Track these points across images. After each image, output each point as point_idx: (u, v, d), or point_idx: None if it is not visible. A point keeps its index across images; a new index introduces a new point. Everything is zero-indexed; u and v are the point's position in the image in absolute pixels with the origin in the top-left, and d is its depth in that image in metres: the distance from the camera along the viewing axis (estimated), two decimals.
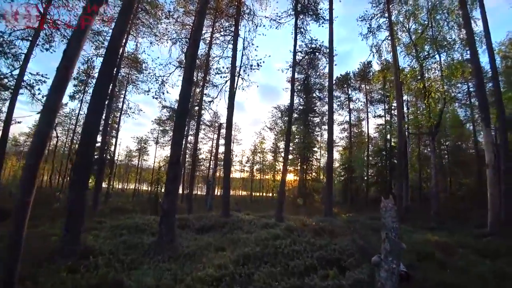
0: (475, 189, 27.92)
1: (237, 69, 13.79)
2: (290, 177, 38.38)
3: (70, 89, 24.40)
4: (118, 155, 43.21)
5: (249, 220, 12.49)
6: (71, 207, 6.51)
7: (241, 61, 14.11)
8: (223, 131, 22.81)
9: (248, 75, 14.12)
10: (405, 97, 31.24)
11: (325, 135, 38.79)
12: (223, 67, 15.42)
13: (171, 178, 8.40)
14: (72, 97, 23.66)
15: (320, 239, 7.62)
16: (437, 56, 22.19)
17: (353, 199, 31.02)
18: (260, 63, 14.27)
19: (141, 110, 27.45)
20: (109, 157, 34.56)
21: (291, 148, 35.47)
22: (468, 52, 20.49)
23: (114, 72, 19.30)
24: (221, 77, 15.04)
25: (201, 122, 24.70)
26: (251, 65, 14.06)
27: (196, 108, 18.67)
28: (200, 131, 30.27)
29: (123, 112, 27.69)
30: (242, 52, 14.30)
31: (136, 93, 27.83)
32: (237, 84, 13.82)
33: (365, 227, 11.27)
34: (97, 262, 5.97)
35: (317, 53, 16.32)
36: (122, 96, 27.15)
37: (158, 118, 34.00)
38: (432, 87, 21.12)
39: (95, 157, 34.23)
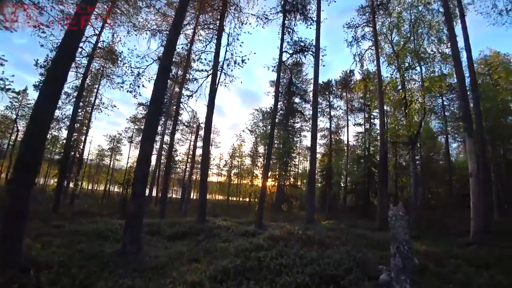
0: (446, 198, 28.46)
1: (220, 63, 12.84)
2: (269, 182, 37.74)
3: (35, 77, 22.24)
4: (89, 154, 40.72)
5: (227, 226, 11.44)
6: (9, 207, 5.21)
7: (225, 56, 13.17)
8: (201, 132, 21.75)
9: (232, 71, 13.14)
10: (385, 107, 31.70)
11: (305, 141, 38.57)
12: (205, 59, 14.31)
13: (139, 177, 7.25)
14: (37, 87, 21.55)
15: (310, 251, 6.71)
16: (418, 68, 22.45)
17: (331, 206, 30.60)
18: (245, 59, 13.38)
19: (115, 106, 25.66)
20: (77, 155, 32.45)
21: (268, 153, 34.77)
22: (448, 66, 21.09)
23: (87, 62, 17.80)
24: (202, 71, 13.92)
25: (179, 122, 23.35)
26: (235, 61, 13.14)
27: (174, 107, 17.44)
28: (177, 131, 28.92)
29: (95, 107, 25.74)
30: (226, 48, 13.37)
31: (110, 87, 26.05)
32: (219, 80, 12.82)
33: (354, 237, 10.47)
34: (39, 278, 4.74)
35: (304, 52, 15.62)
36: (95, 90, 25.28)
37: (133, 116, 32.23)
38: (413, 97, 21.17)
39: (61, 154, 31.95)
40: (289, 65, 16.00)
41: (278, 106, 30.73)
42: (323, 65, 15.57)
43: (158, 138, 30.95)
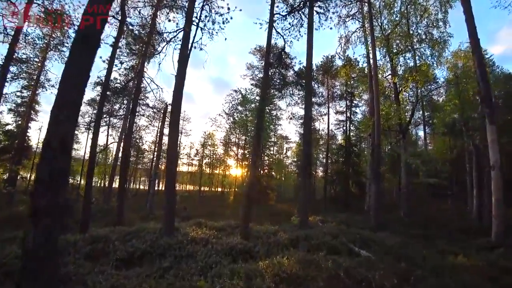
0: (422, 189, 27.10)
1: (195, 17, 9.27)
2: (238, 172, 34.72)
3: None
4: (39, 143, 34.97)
5: (203, 239, 8.23)
6: None
7: (201, 13, 9.61)
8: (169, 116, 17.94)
9: (212, 23, 9.60)
10: (365, 96, 29.67)
11: (280, 131, 35.82)
12: (173, 17, 10.59)
13: (44, 177, 3.74)
14: None
15: None
16: (407, 54, 20.29)
17: (310, 198, 28.31)
18: (226, 20, 9.93)
19: None
20: (24, 144, 27.18)
21: (242, 142, 31.66)
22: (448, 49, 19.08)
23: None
24: (170, 32, 10.21)
25: (142, 103, 19.37)
26: (214, 20, 9.64)
27: (134, 82, 13.61)
28: (142, 115, 24.74)
29: (39, 85, 20.97)
30: (203, 3, 9.81)
31: (59, 61, 21.18)
32: (193, 41, 9.29)
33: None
34: None
35: (298, 13, 12.39)
36: (39, 64, 20.46)
37: (91, 99, 27.26)
38: (406, 84, 18.96)
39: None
40: (283, 28, 12.64)
41: (256, 91, 27.65)
42: (316, 28, 12.57)
43: (119, 122, 26.64)
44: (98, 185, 30.39)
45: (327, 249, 7.95)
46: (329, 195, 28.61)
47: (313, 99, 29.28)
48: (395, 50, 20.24)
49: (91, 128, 31.64)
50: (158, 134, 18.01)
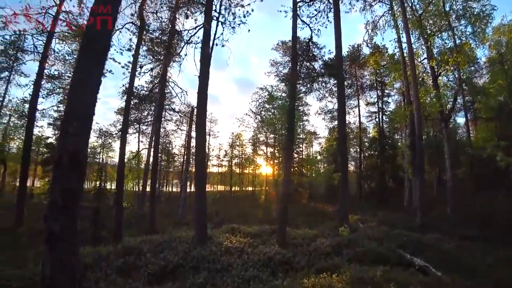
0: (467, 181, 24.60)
1: (214, 11, 8.65)
2: (268, 170, 33.87)
3: None
4: None
5: (238, 248, 7.63)
6: None
7: (220, 6, 8.97)
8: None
9: (233, 17, 8.93)
10: (397, 85, 27.67)
11: (308, 126, 34.57)
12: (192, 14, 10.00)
13: (59, 178, 3.27)
14: None
15: None
16: (444, 34, 18.44)
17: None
18: (247, 13, 9.21)
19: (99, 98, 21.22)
20: None
21: (271, 140, 30.76)
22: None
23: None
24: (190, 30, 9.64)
25: (168, 107, 19.20)
26: (234, 13, 8.96)
27: (158, 89, 13.33)
28: (169, 120, 24.74)
29: None
30: None
31: None
32: (214, 38, 8.69)
33: None
34: None
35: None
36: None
37: (121, 108, 27.78)
38: (446, 66, 17.13)
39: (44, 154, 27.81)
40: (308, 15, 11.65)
41: (281, 89, 26.68)
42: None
43: (148, 129, 26.94)
44: (133, 189, 31.20)
45: (375, 257, 7.04)
46: (364, 191, 27.09)
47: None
48: (430, 31, 18.48)
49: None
50: (186, 138, 17.79)
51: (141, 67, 10.66)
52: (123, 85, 18.25)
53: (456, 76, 17.91)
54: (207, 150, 38.83)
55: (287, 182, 9.16)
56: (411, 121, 18.47)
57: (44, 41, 13.87)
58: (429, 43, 18.35)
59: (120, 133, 9.72)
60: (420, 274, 6.22)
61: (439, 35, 18.56)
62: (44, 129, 27.99)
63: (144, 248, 7.84)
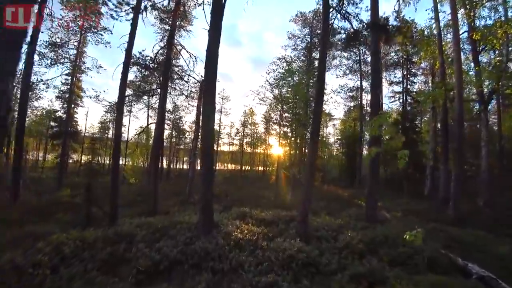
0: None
1: None
2: (280, 150, 32.25)
3: None
4: (90, 127, 35.67)
5: (250, 241, 6.15)
6: None
7: None
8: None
9: None
10: (423, 65, 25.03)
11: (326, 108, 32.30)
12: None
13: None
14: None
15: None
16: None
17: (360, 179, 25.19)
18: None
19: (101, 67, 19.72)
20: (74, 129, 27.39)
21: (288, 120, 28.74)
22: None
23: None
24: None
25: (176, 76, 17.38)
26: None
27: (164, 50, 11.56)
28: (175, 92, 23.02)
29: (78, 70, 20.21)
30: None
31: (92, 42, 20.17)
32: None
33: None
34: None
35: None
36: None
37: (129, 81, 26.16)
38: (494, 39, 14.65)
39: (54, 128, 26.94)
40: None
41: (298, 65, 24.42)
42: None
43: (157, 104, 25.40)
44: (143, 165, 30.25)
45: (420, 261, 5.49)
46: (382, 177, 25.29)
47: (363, 68, 25.48)
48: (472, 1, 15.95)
49: (132, 110, 31.27)
50: (197, 112, 16.28)
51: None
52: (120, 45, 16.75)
53: (504, 52, 15.39)
54: (217, 127, 37.36)
55: (312, 167, 7.51)
56: (443, 103, 16.39)
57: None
58: (473, 12, 15.87)
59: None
60: None
61: (483, 6, 16.08)
62: (53, 103, 26.87)
63: (139, 235, 6.50)
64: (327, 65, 26.96)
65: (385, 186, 24.04)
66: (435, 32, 17.43)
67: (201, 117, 6.82)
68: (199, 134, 21.74)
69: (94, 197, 8.65)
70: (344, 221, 8.80)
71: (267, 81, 21.05)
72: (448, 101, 16.16)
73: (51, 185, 19.19)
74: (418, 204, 15.54)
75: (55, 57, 19.53)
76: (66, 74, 22.03)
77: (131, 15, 9.33)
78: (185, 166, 46.24)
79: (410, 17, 20.58)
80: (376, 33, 9.72)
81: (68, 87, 23.01)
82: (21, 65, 16.23)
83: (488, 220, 11.45)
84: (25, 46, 15.59)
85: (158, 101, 19.02)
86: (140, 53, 12.34)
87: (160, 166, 27.66)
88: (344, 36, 11.47)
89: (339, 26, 9.43)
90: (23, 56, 13.28)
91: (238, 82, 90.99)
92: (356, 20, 9.49)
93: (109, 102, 28.81)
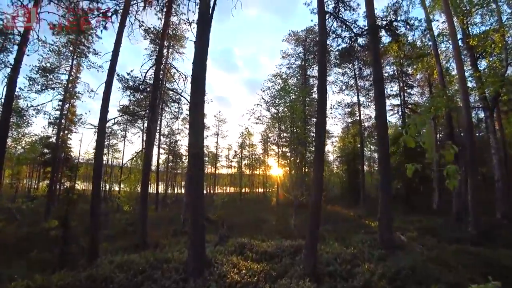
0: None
1: None
2: (279, 171, 31.17)
3: None
4: (85, 153, 34.65)
5: (249, 284, 5.02)
6: None
7: None
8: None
9: None
10: (419, 76, 24.73)
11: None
12: None
13: None
14: None
15: None
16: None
17: (364, 197, 23.98)
18: None
19: (93, 91, 18.95)
20: (67, 154, 26.36)
21: (287, 139, 27.80)
22: None
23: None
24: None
25: (167, 97, 16.56)
26: None
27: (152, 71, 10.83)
28: (170, 118, 22.23)
29: (69, 95, 19.56)
30: None
31: (84, 67, 19.68)
32: None
33: None
34: None
35: None
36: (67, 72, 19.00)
37: (123, 106, 25.56)
38: (493, 44, 14.16)
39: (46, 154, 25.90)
40: None
41: (294, 83, 23.86)
42: None
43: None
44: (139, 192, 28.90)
45: None
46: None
47: (359, 83, 24.99)
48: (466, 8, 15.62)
49: (126, 136, 30.37)
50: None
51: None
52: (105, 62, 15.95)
53: (503, 56, 14.86)
54: (215, 150, 36.44)
55: (319, 187, 6.49)
56: (447, 111, 15.67)
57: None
58: (466, 20, 15.51)
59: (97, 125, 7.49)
60: None
61: (478, 11, 15.75)
62: (46, 129, 26.01)
63: (116, 279, 5.35)
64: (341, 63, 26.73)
65: (391, 202, 22.78)
66: (429, 43, 17.10)
67: (188, 133, 5.84)
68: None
69: (71, 232, 7.50)
70: (357, 248, 7.66)
71: (263, 99, 20.22)
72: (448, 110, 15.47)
73: (40, 215, 17.93)
74: (431, 221, 14.37)
75: (45, 82, 18.93)
76: (59, 100, 21.37)
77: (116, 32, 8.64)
78: (182, 191, 44.80)
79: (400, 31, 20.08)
80: (376, 36, 9.03)
81: (59, 112, 22.25)
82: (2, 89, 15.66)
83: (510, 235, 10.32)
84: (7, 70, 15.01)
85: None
86: (128, 74, 11.65)
87: (156, 191, 26.50)
88: (340, 47, 10.61)
89: (336, 34, 8.69)
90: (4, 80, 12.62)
91: (235, 106, 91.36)
92: (354, 26, 8.75)
93: (93, 125, 27.89)
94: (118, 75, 11.77)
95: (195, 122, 5.56)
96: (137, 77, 11.64)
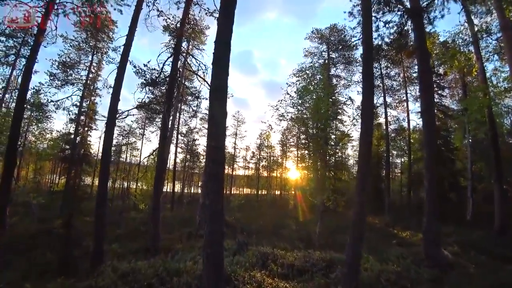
0: None
1: None
2: (296, 174, 29.84)
3: None
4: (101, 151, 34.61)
5: None
6: None
7: None
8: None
9: None
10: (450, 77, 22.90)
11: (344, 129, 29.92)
12: None
13: None
14: None
15: None
16: None
17: (389, 204, 22.32)
18: None
19: (111, 87, 18.50)
20: (88, 152, 26.25)
21: (303, 141, 26.55)
22: None
23: None
24: None
25: (183, 94, 15.80)
26: None
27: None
28: (188, 117, 21.57)
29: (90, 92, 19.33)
30: None
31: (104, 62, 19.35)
32: None
33: None
34: None
35: None
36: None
37: (141, 101, 25.04)
38: None
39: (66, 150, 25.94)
40: None
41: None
42: None
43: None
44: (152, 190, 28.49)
45: None
46: (413, 201, 22.34)
47: (385, 82, 23.41)
48: None
49: (144, 134, 30.06)
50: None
51: None
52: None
53: None
54: (232, 150, 35.57)
55: (363, 191, 5.26)
56: (488, 113, 14.04)
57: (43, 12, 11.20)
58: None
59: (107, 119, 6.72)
60: None
61: None
62: (68, 126, 26.01)
63: None
64: (347, 82, 25.25)
65: (417, 212, 21.05)
66: (466, 38, 15.55)
67: (207, 126, 4.84)
68: None
69: (75, 232, 6.72)
70: (397, 264, 6.43)
71: (288, 94, 18.59)
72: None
73: (57, 212, 17.61)
74: (468, 233, 12.70)
75: (65, 77, 18.71)
76: (78, 96, 21.18)
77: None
78: (199, 191, 44.15)
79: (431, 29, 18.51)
80: (421, 19, 7.78)
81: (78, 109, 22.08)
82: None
83: None
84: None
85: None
86: (145, 65, 10.86)
87: (172, 190, 25.91)
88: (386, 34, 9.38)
89: (377, 18, 7.56)
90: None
91: (254, 108, 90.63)
92: (399, 9, 7.54)
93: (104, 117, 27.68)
94: (134, 67, 10.96)
95: (216, 109, 4.60)
96: (154, 69, 10.87)
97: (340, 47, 23.22)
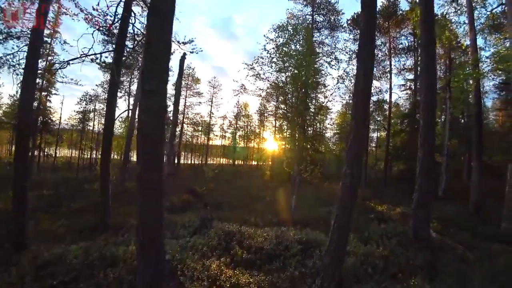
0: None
1: None
2: (274, 146, 28.97)
3: None
4: (69, 118, 31.74)
5: None
6: None
7: None
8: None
9: None
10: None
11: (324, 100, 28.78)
12: None
13: None
14: None
15: None
16: None
17: (365, 178, 22.07)
18: None
19: (66, 43, 15.49)
20: (46, 119, 23.52)
21: (282, 111, 25.14)
22: None
23: None
24: None
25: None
26: None
27: None
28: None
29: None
30: None
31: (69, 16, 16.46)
32: None
33: None
34: None
35: None
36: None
37: (103, 62, 22.28)
38: None
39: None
40: None
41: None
42: None
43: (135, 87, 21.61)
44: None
45: None
46: (388, 174, 22.21)
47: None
48: None
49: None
50: (175, 90, 12.75)
51: None
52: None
53: None
54: (208, 118, 33.72)
55: (356, 158, 4.05)
56: (476, 85, 13.31)
57: None
58: None
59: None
60: None
61: None
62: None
63: None
64: (330, 48, 23.55)
65: (393, 185, 21.03)
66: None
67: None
68: (178, 119, 18.09)
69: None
70: (382, 246, 5.56)
71: (265, 49, 15.57)
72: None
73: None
74: (444, 209, 12.30)
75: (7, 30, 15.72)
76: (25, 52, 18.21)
77: None
78: (185, 161, 42.09)
79: None
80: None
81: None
82: None
83: None
84: None
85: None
86: (94, 8, 8.59)
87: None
88: None
89: None
90: None
91: (233, 76, 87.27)
92: None
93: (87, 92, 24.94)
94: (82, 10, 8.69)
95: (155, 36, 3.13)
96: (108, 13, 8.78)
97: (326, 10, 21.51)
